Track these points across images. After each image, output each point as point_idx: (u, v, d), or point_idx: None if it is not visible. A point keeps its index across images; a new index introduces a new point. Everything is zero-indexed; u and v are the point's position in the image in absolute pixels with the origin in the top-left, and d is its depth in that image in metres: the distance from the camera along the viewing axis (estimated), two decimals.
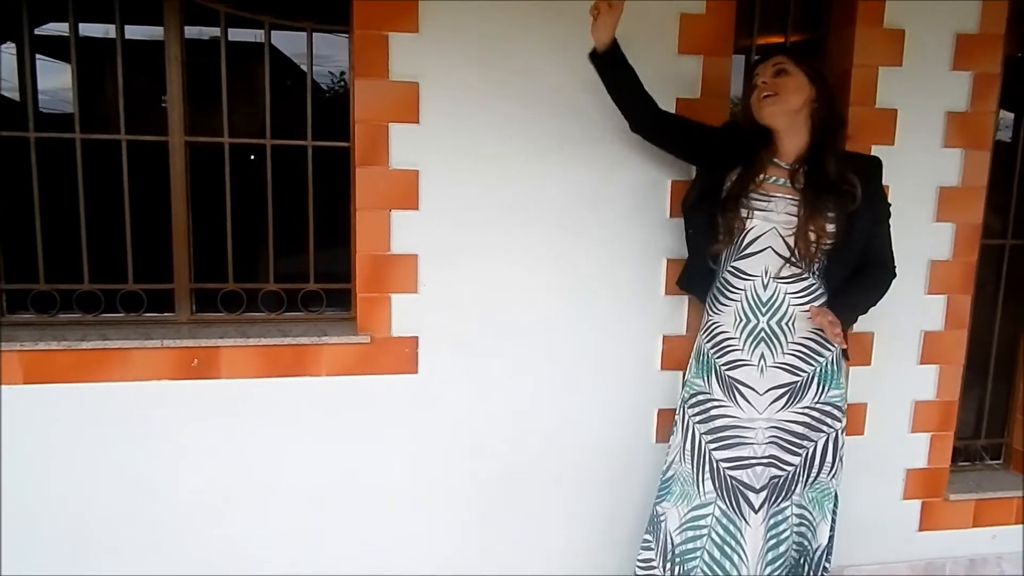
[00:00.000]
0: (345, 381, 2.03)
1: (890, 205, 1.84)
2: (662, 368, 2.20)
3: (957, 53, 2.18)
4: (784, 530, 1.83)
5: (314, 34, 2.04)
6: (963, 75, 2.20)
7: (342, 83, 2.30)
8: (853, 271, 1.81)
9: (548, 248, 2.08)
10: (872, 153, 2.05)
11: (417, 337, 2.05)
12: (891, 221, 1.85)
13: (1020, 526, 2.54)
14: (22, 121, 1.95)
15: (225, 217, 2.07)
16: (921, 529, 2.47)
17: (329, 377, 2.02)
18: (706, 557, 1.83)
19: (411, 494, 2.12)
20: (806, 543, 1.87)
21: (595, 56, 1.76)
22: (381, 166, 1.97)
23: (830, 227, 1.71)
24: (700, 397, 1.87)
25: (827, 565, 1.91)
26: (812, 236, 1.71)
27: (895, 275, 1.86)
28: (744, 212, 1.76)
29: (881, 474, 2.40)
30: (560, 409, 2.17)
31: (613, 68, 1.77)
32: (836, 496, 1.89)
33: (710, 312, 1.88)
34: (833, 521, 1.90)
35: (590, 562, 2.27)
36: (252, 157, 2.15)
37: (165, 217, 2.03)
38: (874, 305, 1.85)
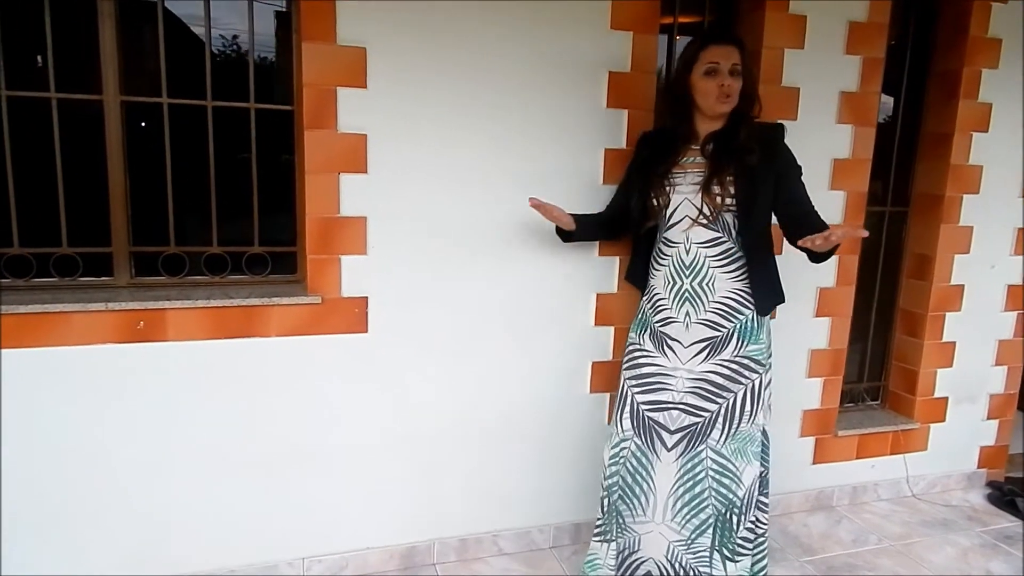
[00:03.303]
0: (295, 341, 2.07)
1: (800, 167, 1.98)
2: (596, 324, 2.37)
3: (849, 39, 2.46)
4: (700, 472, 1.95)
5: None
6: (854, 59, 2.48)
7: (235, 47, 2.26)
8: (766, 230, 1.98)
9: (490, 210, 2.19)
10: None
11: (367, 297, 2.12)
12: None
13: (892, 456, 2.93)
14: None
15: (166, 180, 2.04)
16: (814, 463, 2.81)
17: (279, 338, 2.05)
18: (621, 482, 2.01)
19: (360, 450, 2.20)
20: (731, 495, 1.94)
21: (559, 232, 2.13)
22: (329, 130, 2.00)
23: (730, 186, 1.89)
24: (632, 349, 2.08)
25: (763, 500, 2.10)
26: (716, 191, 1.89)
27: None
28: (668, 189, 1.97)
29: (781, 415, 2.70)
30: (504, 365, 2.30)
31: (580, 235, 2.14)
32: (765, 435, 2.07)
33: (650, 277, 2.09)
34: (764, 457, 2.07)
35: (532, 510, 2.44)
36: (143, 124, 2.10)
37: (102, 179, 1.98)
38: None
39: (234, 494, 2.11)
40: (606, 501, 2.05)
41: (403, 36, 2.01)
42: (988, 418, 3.08)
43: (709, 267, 1.95)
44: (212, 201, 2.09)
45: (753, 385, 1.98)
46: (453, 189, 2.13)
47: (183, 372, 1.99)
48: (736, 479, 1.94)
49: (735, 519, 1.95)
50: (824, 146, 2.52)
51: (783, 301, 2.08)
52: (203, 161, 2.06)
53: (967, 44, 2.65)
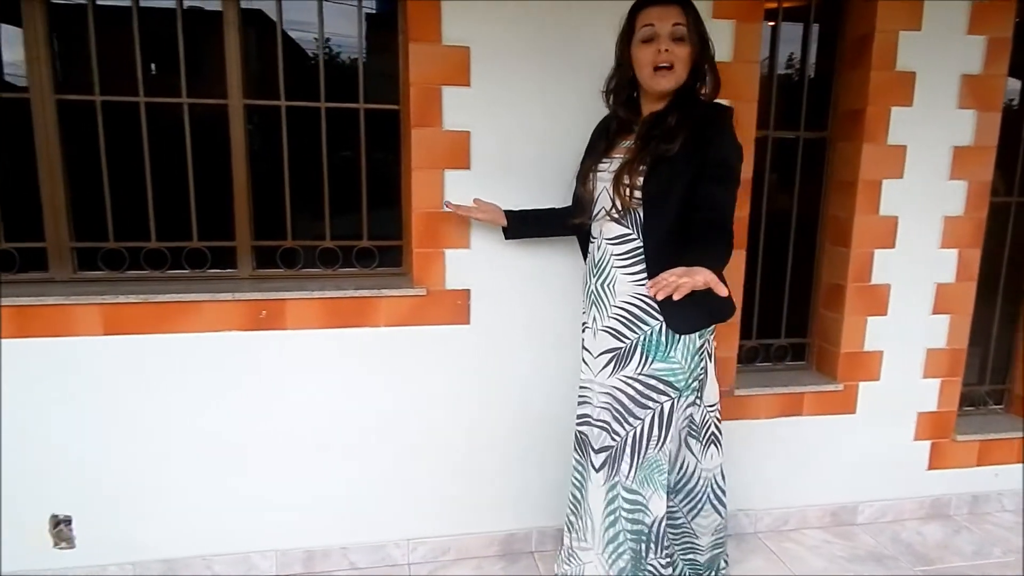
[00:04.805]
0: (402, 331, 2.15)
1: (731, 158, 1.63)
2: None
3: (973, 18, 2.31)
4: (615, 509, 1.75)
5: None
6: (978, 39, 2.33)
7: (325, 50, 2.33)
8: (680, 231, 1.63)
9: None
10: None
11: (469, 290, 2.17)
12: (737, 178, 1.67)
13: (1020, 465, 2.73)
14: (85, 86, 2.04)
15: (283, 178, 2.17)
16: (930, 468, 2.66)
17: (387, 328, 2.14)
18: (570, 497, 1.93)
19: (461, 439, 2.27)
20: (641, 527, 1.75)
21: (503, 229, 2.05)
22: (434, 127, 2.07)
23: (639, 177, 1.63)
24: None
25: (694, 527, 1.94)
26: (626, 182, 1.64)
27: (730, 234, 1.61)
28: (592, 178, 1.77)
29: (894, 417, 2.57)
30: None
31: (521, 231, 2.05)
32: (719, 477, 1.93)
33: None
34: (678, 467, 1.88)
35: None
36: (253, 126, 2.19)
37: (227, 178, 2.13)
38: (716, 265, 1.47)
39: (346, 474, 2.22)
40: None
41: (504, 35, 2.06)
42: None
43: (612, 266, 1.74)
44: (325, 198, 2.20)
45: (662, 409, 1.71)
46: (552, 184, 2.15)
47: (299, 358, 2.12)
48: (645, 509, 1.74)
49: (644, 548, 1.76)
50: (943, 134, 2.38)
51: (717, 320, 1.75)
52: (316, 160, 2.18)
53: None
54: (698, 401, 1.82)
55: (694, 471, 1.93)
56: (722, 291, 1.41)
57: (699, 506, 1.96)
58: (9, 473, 2.02)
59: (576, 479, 1.90)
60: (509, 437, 2.30)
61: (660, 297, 1.39)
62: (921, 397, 2.58)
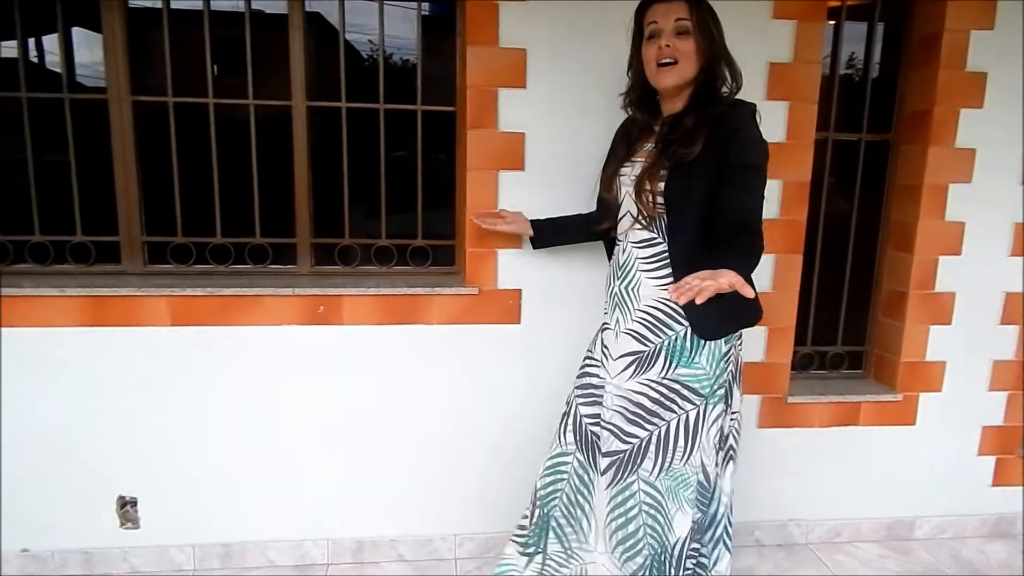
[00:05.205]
0: (454, 329, 2.19)
1: (752, 158, 1.57)
2: None
3: None
4: (632, 507, 1.69)
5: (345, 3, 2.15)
6: None
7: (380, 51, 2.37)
8: (706, 235, 1.59)
9: None
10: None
11: (520, 290, 2.20)
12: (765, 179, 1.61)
13: None
14: (153, 87, 2.13)
15: (342, 177, 2.23)
16: (994, 484, 2.56)
17: (440, 325, 2.18)
18: (564, 499, 1.82)
19: (509, 436, 2.29)
20: (663, 538, 1.68)
21: (531, 240, 2.05)
22: (490, 129, 2.10)
23: (661, 183, 1.60)
24: (586, 354, 1.89)
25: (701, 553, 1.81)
26: (647, 187, 1.61)
27: (757, 235, 1.55)
28: (617, 183, 1.74)
29: (957, 430, 2.49)
30: None
31: (548, 240, 2.05)
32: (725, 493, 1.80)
33: None
34: (701, 503, 1.75)
35: None
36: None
37: (288, 177, 2.20)
38: (742, 269, 1.43)
39: (396, 468, 2.27)
40: (538, 512, 1.86)
41: (561, 37, 2.07)
42: None
43: (637, 270, 1.70)
44: (382, 197, 2.25)
45: (688, 417, 1.65)
46: None
47: (354, 353, 2.17)
48: (667, 521, 1.67)
49: (666, 566, 1.68)
50: (1014, 137, 2.28)
51: (744, 325, 1.72)
52: (374, 160, 2.23)
53: None
54: (727, 411, 1.77)
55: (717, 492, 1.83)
56: (748, 292, 1.36)
57: (717, 546, 1.85)
58: (81, 455, 2.13)
59: (574, 482, 1.80)
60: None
61: (682, 301, 1.36)
62: (986, 410, 2.49)
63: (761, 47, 2.14)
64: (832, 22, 2.32)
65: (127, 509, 2.18)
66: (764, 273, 2.27)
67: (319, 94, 2.20)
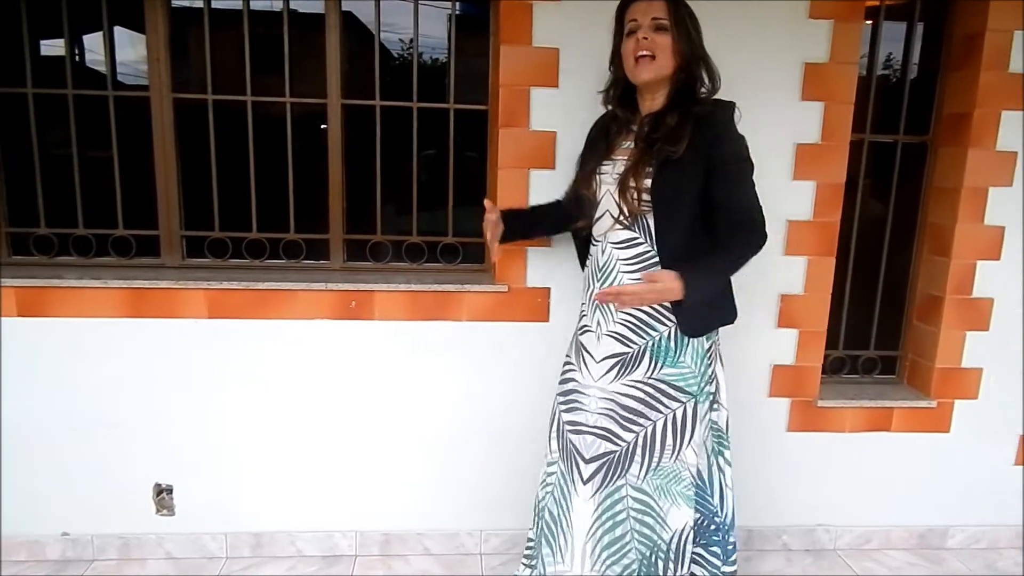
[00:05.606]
0: (483, 326, 2.21)
1: (740, 152, 1.61)
2: (778, 326, 2.29)
3: None
4: (620, 512, 1.68)
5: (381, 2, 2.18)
6: None
7: (410, 49, 2.37)
8: (694, 232, 1.62)
9: None
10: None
11: (549, 288, 2.20)
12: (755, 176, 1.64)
13: None
14: (190, 84, 2.18)
15: (375, 174, 2.26)
16: None
17: (469, 322, 2.20)
18: (546, 514, 1.81)
19: (536, 433, 2.29)
20: (655, 537, 1.68)
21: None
22: (522, 127, 2.11)
23: (646, 180, 1.60)
24: (565, 359, 1.88)
25: (707, 555, 1.83)
26: (632, 185, 1.61)
27: (760, 224, 1.60)
28: (595, 181, 1.73)
29: (992, 438, 2.44)
30: None
31: (521, 234, 1.97)
32: (722, 483, 1.82)
33: None
34: (700, 502, 1.79)
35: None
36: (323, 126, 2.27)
37: (323, 174, 2.24)
38: (735, 268, 1.62)
39: (424, 462, 2.29)
40: (537, 525, 1.86)
41: (593, 36, 2.06)
42: None
43: (618, 271, 1.69)
44: (413, 194, 2.28)
45: (675, 415, 1.66)
46: None
47: (385, 348, 2.20)
48: (659, 520, 1.67)
49: (661, 564, 1.68)
50: None
51: (727, 322, 1.75)
52: (406, 157, 2.26)
53: None
54: (716, 405, 1.79)
55: (723, 493, 1.83)
56: (673, 298, 1.52)
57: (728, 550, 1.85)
58: (119, 443, 2.19)
59: (556, 494, 1.78)
60: None
61: (616, 307, 1.46)
62: (1021, 417, 2.43)
63: (796, 47, 2.12)
64: (869, 22, 2.29)
65: (163, 496, 2.24)
66: (796, 275, 2.25)
67: (353, 92, 2.24)
